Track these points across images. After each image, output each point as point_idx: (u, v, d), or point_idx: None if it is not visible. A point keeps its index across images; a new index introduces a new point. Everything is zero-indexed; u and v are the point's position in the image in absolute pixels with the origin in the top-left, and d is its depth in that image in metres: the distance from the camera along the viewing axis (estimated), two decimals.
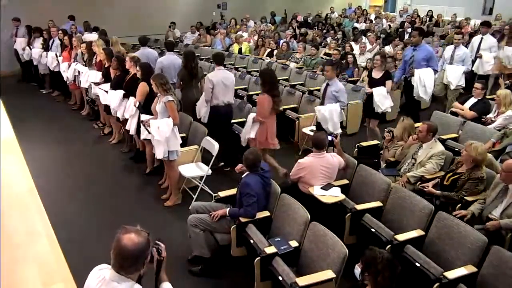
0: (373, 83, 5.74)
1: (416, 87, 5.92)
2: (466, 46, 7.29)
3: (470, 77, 7.07)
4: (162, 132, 4.23)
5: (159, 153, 4.35)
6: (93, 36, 7.88)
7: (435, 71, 6.02)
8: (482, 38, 7.36)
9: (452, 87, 6.52)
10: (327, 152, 3.94)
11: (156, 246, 2.03)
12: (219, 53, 5.53)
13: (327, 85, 5.11)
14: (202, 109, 5.28)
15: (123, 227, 1.88)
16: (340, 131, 5.09)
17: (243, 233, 3.35)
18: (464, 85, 6.61)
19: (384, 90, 5.60)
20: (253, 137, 4.69)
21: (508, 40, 7.70)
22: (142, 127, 4.61)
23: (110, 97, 5.56)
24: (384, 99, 5.60)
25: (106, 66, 6.07)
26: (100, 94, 6.12)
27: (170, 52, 6.62)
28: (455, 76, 6.46)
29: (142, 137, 4.69)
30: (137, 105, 4.87)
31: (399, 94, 6.87)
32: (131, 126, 5.19)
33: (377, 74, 5.73)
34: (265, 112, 4.54)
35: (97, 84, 6.23)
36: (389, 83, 5.68)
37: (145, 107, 4.74)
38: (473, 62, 7.06)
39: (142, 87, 4.86)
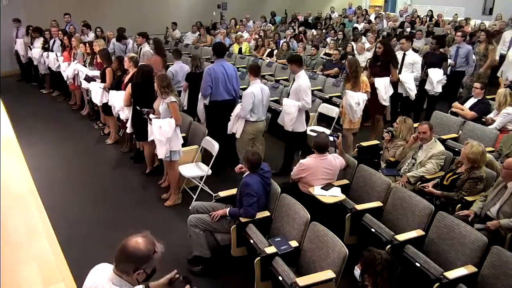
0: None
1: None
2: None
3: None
4: (164, 132, 4.23)
5: (161, 153, 4.34)
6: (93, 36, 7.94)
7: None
8: (294, 79, 5.00)
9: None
10: (329, 152, 3.93)
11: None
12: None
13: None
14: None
15: (145, 231, 1.93)
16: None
17: (243, 233, 3.35)
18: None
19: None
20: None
21: (354, 82, 5.13)
22: (149, 128, 4.57)
23: (114, 97, 5.55)
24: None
25: (105, 66, 6.07)
26: (93, 91, 6.10)
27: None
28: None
29: (149, 138, 4.64)
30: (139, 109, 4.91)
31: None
32: (128, 125, 5.22)
33: None
34: (159, 68, 5.77)
35: (92, 79, 6.23)
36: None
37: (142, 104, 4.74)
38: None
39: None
